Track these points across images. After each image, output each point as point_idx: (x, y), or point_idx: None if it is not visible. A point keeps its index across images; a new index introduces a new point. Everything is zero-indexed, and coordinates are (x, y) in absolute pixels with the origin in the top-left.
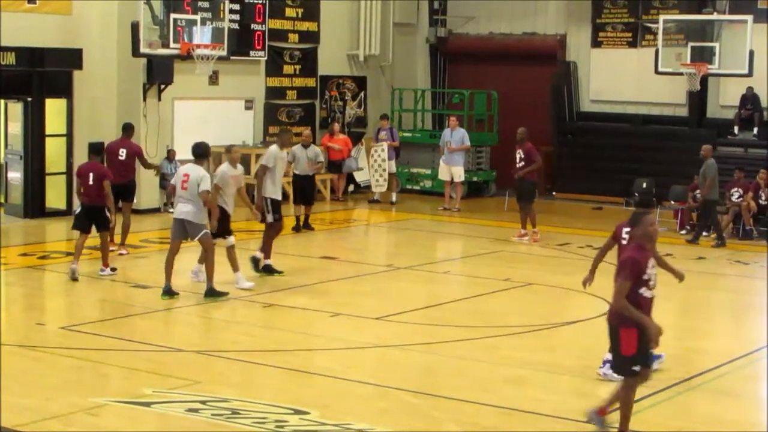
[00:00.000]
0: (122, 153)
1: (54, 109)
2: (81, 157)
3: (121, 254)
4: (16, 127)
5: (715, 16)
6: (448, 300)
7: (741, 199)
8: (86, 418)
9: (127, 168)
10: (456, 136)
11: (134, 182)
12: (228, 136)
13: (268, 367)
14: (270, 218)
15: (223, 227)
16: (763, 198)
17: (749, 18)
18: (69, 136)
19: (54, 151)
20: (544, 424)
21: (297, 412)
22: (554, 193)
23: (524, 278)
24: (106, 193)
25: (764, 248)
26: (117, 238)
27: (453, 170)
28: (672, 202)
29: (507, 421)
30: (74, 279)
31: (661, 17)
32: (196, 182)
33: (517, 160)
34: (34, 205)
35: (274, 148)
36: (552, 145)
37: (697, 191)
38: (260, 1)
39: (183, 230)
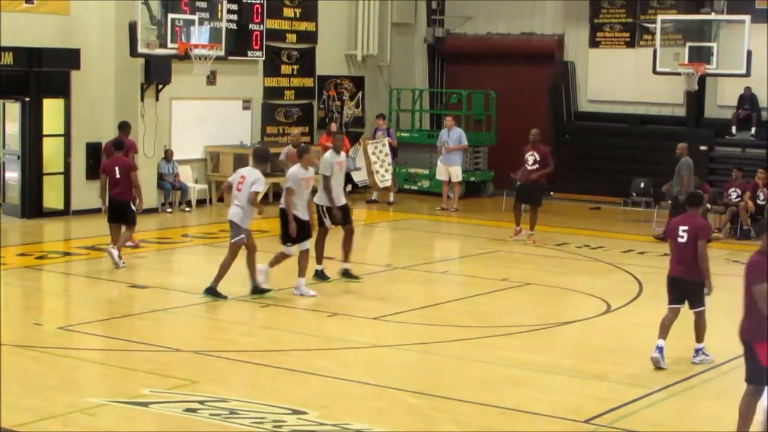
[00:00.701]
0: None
1: (52, 109)
2: (79, 157)
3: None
4: (13, 127)
5: (712, 16)
6: (446, 300)
7: (739, 199)
8: (84, 418)
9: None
10: (453, 136)
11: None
12: (226, 136)
13: (266, 367)
14: (328, 223)
15: (303, 233)
16: (761, 198)
17: (747, 18)
18: (67, 136)
19: (52, 151)
20: (542, 423)
21: (295, 412)
22: (552, 193)
23: (522, 278)
24: (134, 185)
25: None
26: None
27: (451, 170)
28: (670, 202)
29: (504, 420)
30: (118, 267)
31: (659, 17)
32: (250, 184)
33: (531, 162)
34: (32, 205)
35: (329, 155)
36: (550, 145)
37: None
38: (258, 1)
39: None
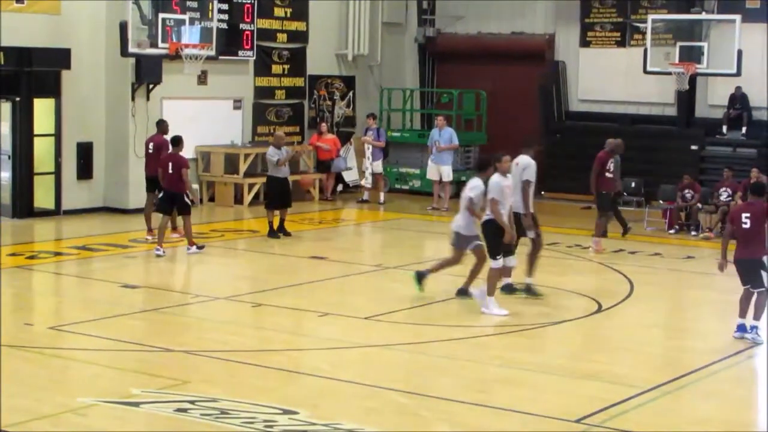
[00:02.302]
0: (151, 147)
1: (42, 108)
2: (69, 157)
3: (147, 239)
4: (4, 127)
5: (703, 16)
6: (437, 300)
7: (730, 198)
8: (75, 419)
9: (154, 162)
10: (444, 135)
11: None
12: (217, 135)
13: (257, 367)
14: (532, 234)
15: (508, 246)
16: None
17: (737, 18)
18: (57, 136)
19: (42, 150)
20: (533, 423)
21: (286, 412)
22: (543, 192)
23: (513, 278)
24: (184, 181)
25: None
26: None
27: (441, 170)
28: (660, 202)
29: (495, 420)
30: (159, 255)
31: (650, 17)
32: (468, 191)
33: (612, 168)
34: (23, 205)
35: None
36: (540, 145)
37: (686, 190)
38: (249, 1)
39: (457, 240)
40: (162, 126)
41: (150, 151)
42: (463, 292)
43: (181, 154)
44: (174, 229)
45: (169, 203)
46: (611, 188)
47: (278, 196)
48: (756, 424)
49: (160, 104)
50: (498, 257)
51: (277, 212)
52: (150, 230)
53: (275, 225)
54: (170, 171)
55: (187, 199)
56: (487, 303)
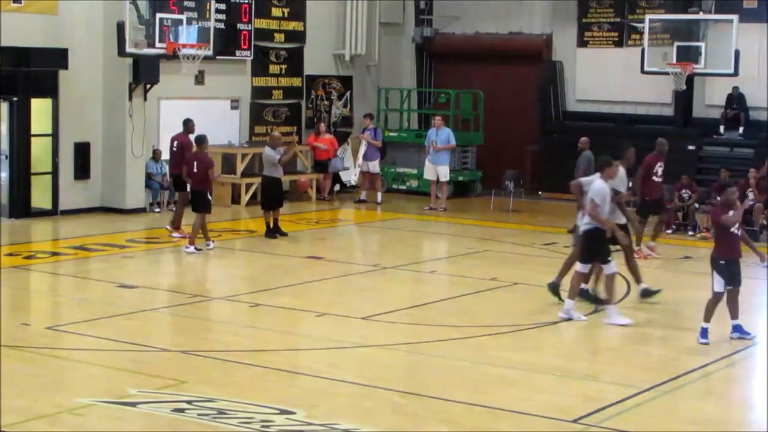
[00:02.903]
0: (175, 145)
1: (40, 108)
2: (67, 157)
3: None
4: (1, 127)
5: (701, 16)
6: (434, 300)
7: None
8: (72, 419)
9: (178, 161)
10: (442, 135)
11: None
12: (214, 136)
13: (254, 367)
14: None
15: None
16: (750, 198)
17: (735, 18)
18: (54, 135)
19: (39, 150)
20: (530, 423)
21: (283, 411)
22: (540, 192)
23: (510, 278)
24: (210, 180)
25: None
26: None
27: (439, 170)
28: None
29: (493, 420)
30: (197, 250)
31: (647, 17)
32: (590, 193)
33: (660, 172)
34: (20, 205)
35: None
36: (538, 145)
37: (683, 190)
38: (246, 1)
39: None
40: (188, 125)
41: (174, 149)
42: (554, 287)
43: (207, 152)
44: (177, 228)
45: (194, 202)
46: (656, 194)
47: (274, 196)
48: (752, 424)
49: (158, 104)
50: (610, 260)
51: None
52: (178, 228)
53: (272, 225)
54: (195, 170)
55: (210, 197)
56: (610, 313)
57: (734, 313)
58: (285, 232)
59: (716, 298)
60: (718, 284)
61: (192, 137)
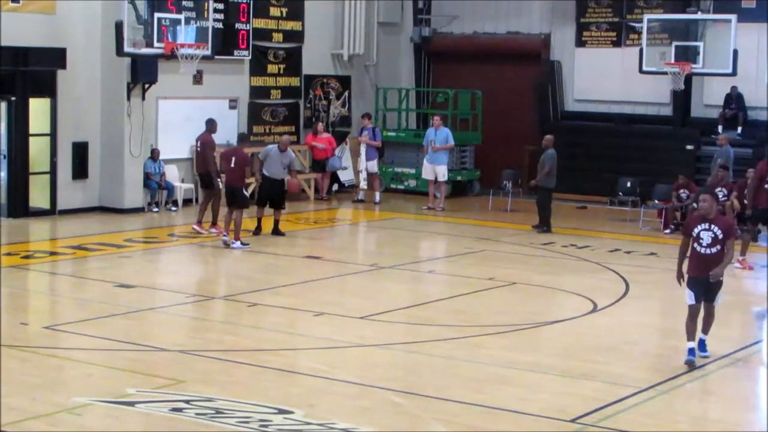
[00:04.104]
0: (199, 145)
1: (38, 108)
2: (65, 156)
3: (199, 232)
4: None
5: (699, 16)
6: (433, 299)
7: (725, 198)
8: (70, 418)
9: (204, 159)
10: (440, 135)
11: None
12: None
13: (252, 367)
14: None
15: None
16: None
17: (733, 17)
18: (53, 135)
19: (38, 150)
20: (528, 423)
21: (281, 411)
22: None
23: (508, 277)
24: (248, 175)
25: (748, 247)
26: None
27: (437, 169)
28: (656, 201)
29: (491, 419)
30: (226, 245)
31: (646, 17)
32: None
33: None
34: (18, 205)
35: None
36: (536, 145)
37: (681, 190)
38: (244, 1)
39: None
40: (210, 125)
41: (198, 149)
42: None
43: (245, 150)
44: (214, 224)
45: (230, 197)
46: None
47: (269, 195)
48: (750, 424)
49: (156, 104)
50: None
51: (265, 210)
52: (213, 224)
53: (262, 224)
54: (232, 165)
55: (245, 192)
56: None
57: (704, 328)
58: (283, 233)
59: (690, 311)
60: (689, 296)
61: (214, 136)
